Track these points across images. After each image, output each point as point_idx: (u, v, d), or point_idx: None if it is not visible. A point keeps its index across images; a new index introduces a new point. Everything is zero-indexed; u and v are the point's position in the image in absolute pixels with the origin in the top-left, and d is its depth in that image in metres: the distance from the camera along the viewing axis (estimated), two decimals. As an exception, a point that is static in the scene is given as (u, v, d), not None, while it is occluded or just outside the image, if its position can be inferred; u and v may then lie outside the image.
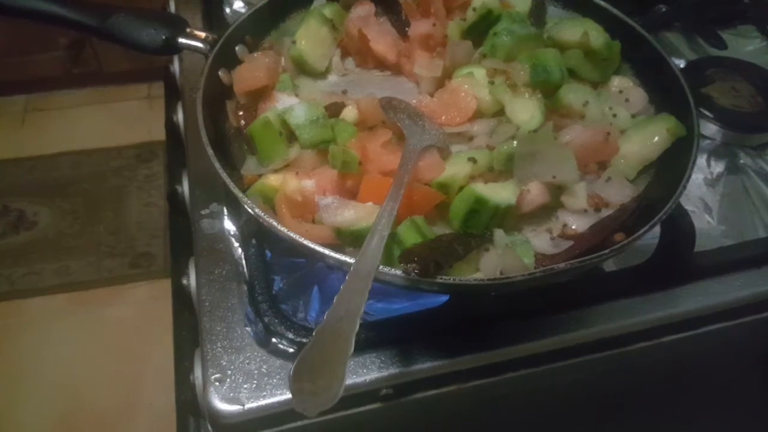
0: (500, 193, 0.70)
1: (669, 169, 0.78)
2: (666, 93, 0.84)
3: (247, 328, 0.71)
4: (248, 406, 0.65)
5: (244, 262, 0.77)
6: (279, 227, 0.65)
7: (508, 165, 0.74)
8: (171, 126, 1.03)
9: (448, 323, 0.73)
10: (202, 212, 0.82)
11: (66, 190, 2.40)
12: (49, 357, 1.96)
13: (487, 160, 0.75)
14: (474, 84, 0.83)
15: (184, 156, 0.93)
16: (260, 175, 0.77)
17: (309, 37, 0.88)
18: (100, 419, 1.85)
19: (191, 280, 0.78)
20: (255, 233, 0.78)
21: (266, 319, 0.71)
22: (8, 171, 2.46)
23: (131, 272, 2.18)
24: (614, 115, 0.83)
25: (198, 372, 0.69)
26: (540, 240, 0.73)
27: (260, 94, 0.84)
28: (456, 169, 0.73)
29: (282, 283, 0.80)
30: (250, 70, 0.84)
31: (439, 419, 0.78)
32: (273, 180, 0.75)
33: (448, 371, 0.71)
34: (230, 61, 0.84)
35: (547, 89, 0.82)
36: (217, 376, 0.67)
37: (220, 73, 0.83)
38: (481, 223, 0.70)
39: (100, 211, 2.35)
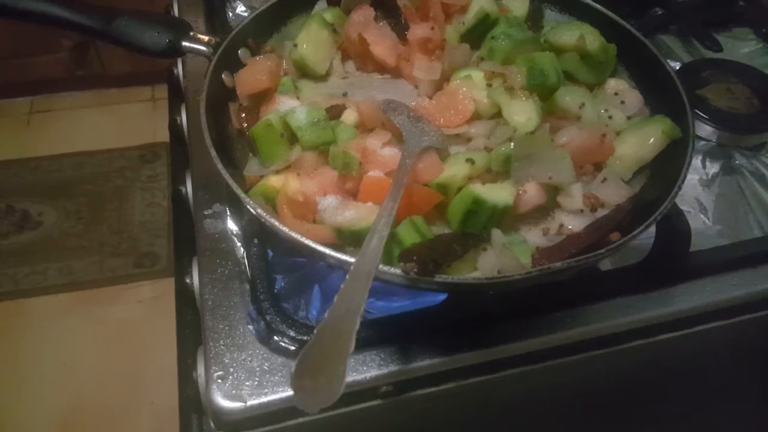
0: (498, 194, 0.71)
1: (664, 169, 0.79)
2: (661, 95, 0.85)
3: (249, 326, 0.72)
4: (250, 403, 0.67)
5: (246, 261, 0.78)
6: (280, 227, 0.66)
7: (505, 166, 0.75)
8: (174, 128, 1.04)
9: (446, 321, 0.74)
10: (205, 212, 0.84)
11: (70, 191, 2.42)
12: (53, 356, 1.97)
13: (485, 162, 0.76)
14: (472, 87, 0.84)
15: (187, 157, 0.94)
16: (262, 176, 0.78)
17: (310, 40, 0.89)
18: (103, 418, 1.86)
19: (194, 279, 0.79)
20: (257, 233, 0.79)
21: (268, 318, 0.72)
22: (13, 171, 2.48)
23: (134, 272, 2.19)
24: (610, 117, 0.84)
25: (201, 369, 0.70)
26: (537, 239, 0.75)
27: (262, 97, 0.85)
28: (454, 170, 0.74)
29: (283, 282, 0.81)
30: (253, 73, 0.85)
31: (438, 416, 0.79)
32: (274, 181, 0.76)
33: (447, 368, 0.72)
34: (233, 64, 0.86)
35: (543, 92, 0.83)
36: (220, 373, 0.68)
37: (223, 75, 0.84)
38: (479, 223, 0.71)
39: (104, 212, 2.36)
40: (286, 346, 0.71)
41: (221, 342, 0.71)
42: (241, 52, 0.87)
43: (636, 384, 0.89)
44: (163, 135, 1.07)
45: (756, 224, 0.92)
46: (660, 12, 1.19)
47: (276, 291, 0.78)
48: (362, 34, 0.89)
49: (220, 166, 0.71)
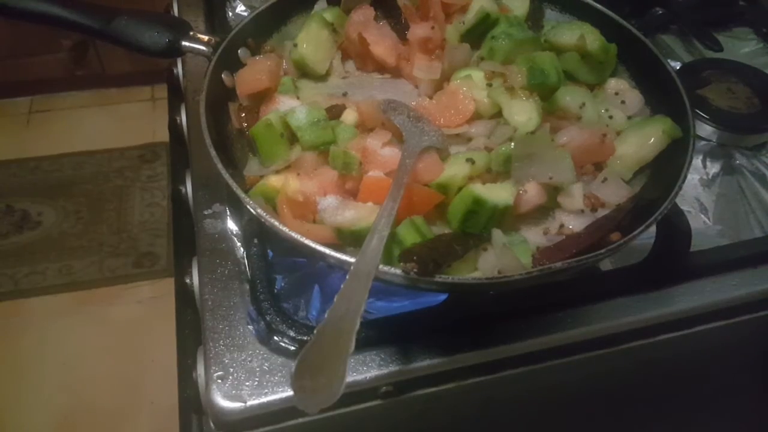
0: (498, 194, 0.71)
1: (665, 169, 0.79)
2: (662, 95, 0.85)
3: (249, 327, 0.72)
4: (250, 403, 0.66)
5: (246, 261, 0.78)
6: (280, 227, 0.66)
7: (505, 166, 0.75)
8: (174, 128, 1.04)
9: (447, 321, 0.74)
10: (205, 212, 0.84)
11: (69, 191, 2.41)
12: (52, 356, 1.97)
13: (485, 161, 0.76)
14: (472, 86, 0.84)
15: (187, 157, 0.94)
16: (262, 176, 0.78)
17: (310, 40, 0.89)
18: (103, 418, 1.86)
19: (194, 279, 0.79)
20: (257, 233, 0.79)
21: (268, 318, 0.72)
22: (12, 171, 2.48)
23: (134, 272, 2.19)
24: (610, 117, 0.84)
25: (200, 369, 0.70)
26: (537, 239, 0.75)
27: (262, 97, 0.85)
28: (454, 169, 0.74)
29: (283, 282, 0.81)
30: (253, 73, 0.85)
31: (438, 416, 0.79)
32: (274, 181, 0.76)
33: (447, 369, 0.72)
34: (233, 63, 0.85)
35: (544, 92, 0.83)
36: (220, 373, 0.68)
37: (222, 75, 0.84)
38: (480, 223, 0.71)
39: (104, 211, 2.36)
40: (286, 346, 0.70)
41: (221, 342, 0.71)
42: (241, 52, 0.87)
43: (636, 384, 0.89)
44: (163, 135, 1.06)
45: (756, 224, 0.92)
46: (660, 12, 1.18)
47: (276, 291, 0.78)
48: (362, 34, 0.89)
49: (220, 166, 0.71)
